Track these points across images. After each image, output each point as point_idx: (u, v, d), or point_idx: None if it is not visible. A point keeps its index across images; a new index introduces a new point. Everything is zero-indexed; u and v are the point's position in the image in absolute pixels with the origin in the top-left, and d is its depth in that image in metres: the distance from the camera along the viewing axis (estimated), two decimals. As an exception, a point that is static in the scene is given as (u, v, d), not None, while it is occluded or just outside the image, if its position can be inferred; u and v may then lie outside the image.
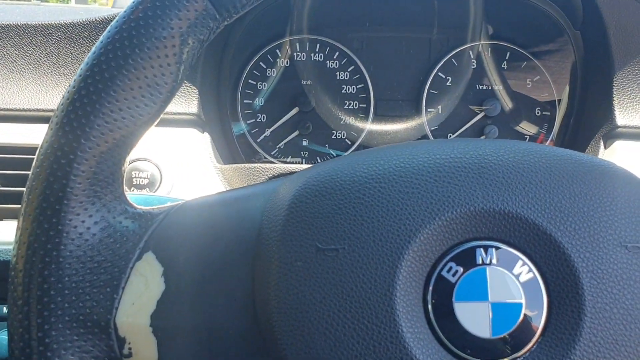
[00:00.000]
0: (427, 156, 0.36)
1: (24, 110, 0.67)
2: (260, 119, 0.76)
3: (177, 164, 0.65)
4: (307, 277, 0.34)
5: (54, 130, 0.36)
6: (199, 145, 0.67)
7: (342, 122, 0.76)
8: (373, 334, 0.33)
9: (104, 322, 0.36)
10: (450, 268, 0.34)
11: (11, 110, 0.67)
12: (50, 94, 0.67)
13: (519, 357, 0.33)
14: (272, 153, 0.76)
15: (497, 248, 0.34)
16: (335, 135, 0.76)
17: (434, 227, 0.34)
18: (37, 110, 0.67)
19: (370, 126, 0.76)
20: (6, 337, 0.62)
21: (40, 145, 0.37)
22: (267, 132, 0.76)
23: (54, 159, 0.36)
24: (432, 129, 0.76)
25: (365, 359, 0.33)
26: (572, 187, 0.35)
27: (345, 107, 0.76)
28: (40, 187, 0.36)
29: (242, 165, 0.67)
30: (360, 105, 0.76)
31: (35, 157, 0.37)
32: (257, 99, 0.76)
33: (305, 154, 0.76)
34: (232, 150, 0.75)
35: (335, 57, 0.76)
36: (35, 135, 0.66)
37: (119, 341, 0.36)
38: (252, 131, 0.76)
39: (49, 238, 0.35)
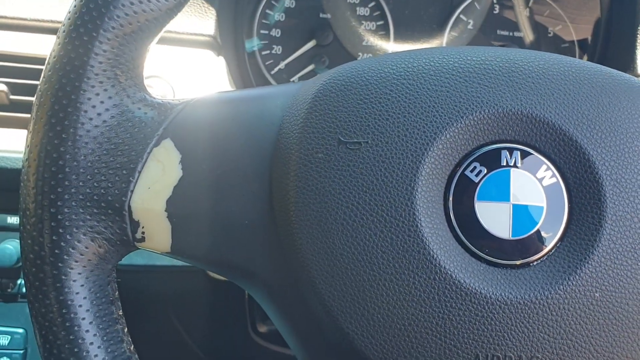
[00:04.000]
0: (458, 57, 0.36)
1: (34, 20, 0.66)
2: (276, 50, 0.75)
3: (191, 84, 0.64)
4: (328, 169, 0.34)
5: (77, 7, 0.35)
6: (213, 68, 0.66)
7: (359, 59, 0.75)
8: (391, 227, 0.32)
9: (119, 203, 0.35)
10: (474, 168, 0.33)
11: (20, 19, 0.65)
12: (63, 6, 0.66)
13: (536, 259, 0.33)
14: (286, 86, 0.75)
15: (522, 151, 0.34)
16: (351, 72, 0.75)
17: (460, 126, 0.33)
18: (48, 21, 0.66)
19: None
20: (10, 247, 0.62)
21: (62, 23, 0.36)
22: (282, 65, 0.75)
23: (76, 36, 0.35)
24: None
25: (382, 251, 0.32)
26: (601, 98, 0.34)
27: (364, 43, 0.75)
28: (60, 64, 0.35)
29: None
30: (379, 43, 0.75)
31: (56, 36, 0.36)
32: (273, 29, 0.74)
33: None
34: (245, 80, 0.74)
35: (356, -10, 0.74)
36: (45, 46, 0.65)
37: (132, 225, 0.36)
38: (266, 63, 0.75)
39: (67, 115, 0.35)
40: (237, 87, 0.69)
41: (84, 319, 0.35)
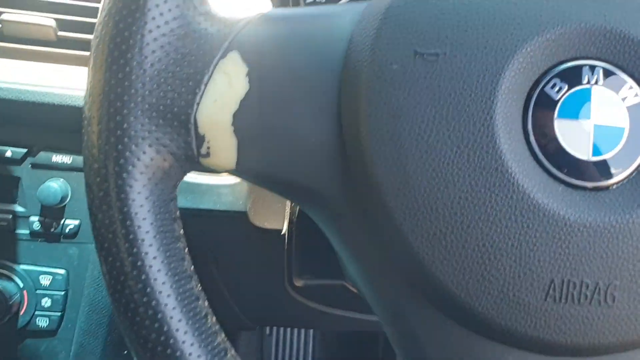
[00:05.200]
0: (538, -28, 0.34)
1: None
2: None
3: (233, 5, 0.62)
4: (403, 81, 0.32)
5: None
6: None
7: None
8: (468, 142, 0.31)
9: (184, 115, 0.35)
10: (555, 85, 0.32)
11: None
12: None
13: (617, 182, 0.32)
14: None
15: (604, 69, 0.32)
16: None
17: (542, 40, 0.32)
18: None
19: None
20: (54, 185, 0.61)
21: None
22: None
23: None
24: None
25: (458, 168, 0.31)
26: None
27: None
28: None
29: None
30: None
31: None
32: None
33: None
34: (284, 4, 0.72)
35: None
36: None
37: (197, 139, 0.35)
38: None
39: (135, 20, 0.34)
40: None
41: (147, 232, 0.34)
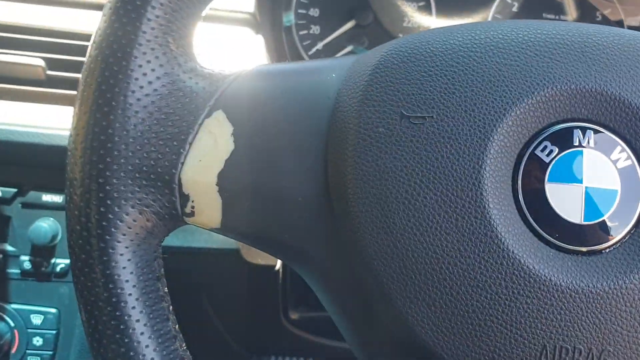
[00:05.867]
0: (527, 30, 0.34)
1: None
2: (314, 30, 0.73)
3: (229, 62, 0.63)
4: (389, 144, 0.32)
5: None
6: (252, 46, 0.65)
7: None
8: (457, 207, 0.31)
9: (168, 176, 0.34)
10: (545, 147, 0.31)
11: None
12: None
13: (609, 246, 0.31)
14: (324, 66, 0.73)
15: (595, 131, 0.32)
16: (391, 54, 0.73)
17: (531, 102, 0.32)
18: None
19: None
20: (44, 225, 0.61)
21: None
22: (320, 45, 0.73)
23: (128, 0, 0.34)
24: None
25: (446, 233, 0.31)
26: (682, 77, 0.32)
27: (405, 24, 0.73)
28: (112, 29, 0.34)
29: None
30: (420, 24, 0.73)
31: (104, 10, 0.35)
32: (312, 9, 0.73)
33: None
34: (281, 59, 0.72)
35: (398, -31, 0.72)
36: (82, 22, 0.64)
37: (182, 198, 0.34)
38: (304, 43, 0.73)
39: (117, 82, 0.33)
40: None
41: (130, 294, 0.34)
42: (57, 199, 0.61)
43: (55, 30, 0.63)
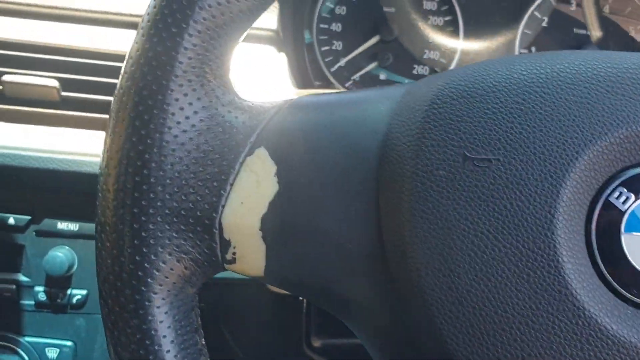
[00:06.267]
0: (596, 63, 0.31)
1: (89, 11, 0.62)
2: (336, 46, 0.70)
3: (252, 82, 0.60)
4: (451, 189, 0.29)
5: (157, 3, 0.31)
6: (274, 64, 0.62)
7: (425, 56, 0.71)
8: (527, 260, 0.28)
9: (208, 220, 0.31)
10: (620, 194, 0.29)
11: (72, 9, 0.61)
12: None
13: (693, 303, 0.28)
14: (346, 85, 0.70)
15: (676, 175, 0.29)
16: (417, 70, 0.71)
17: (605, 144, 0.29)
18: (102, 12, 0.62)
19: (455, 65, 0.71)
20: (60, 254, 0.58)
21: (146, 12, 0.32)
22: (342, 62, 0.70)
23: (163, 27, 0.31)
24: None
25: (516, 287, 0.28)
26: None
27: (430, 40, 0.71)
28: (145, 58, 0.31)
29: (323, 91, 0.62)
30: (447, 40, 0.71)
31: (136, 31, 0.32)
32: (334, 24, 0.70)
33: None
34: (304, 78, 0.70)
35: (423, -16, 0.70)
36: (98, 40, 0.62)
37: (222, 244, 0.32)
38: (326, 60, 0.70)
39: (152, 117, 0.31)
40: (298, 85, 0.65)
41: (168, 351, 0.31)
42: (73, 226, 0.58)
43: (69, 49, 0.60)
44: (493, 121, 0.30)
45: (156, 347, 0.31)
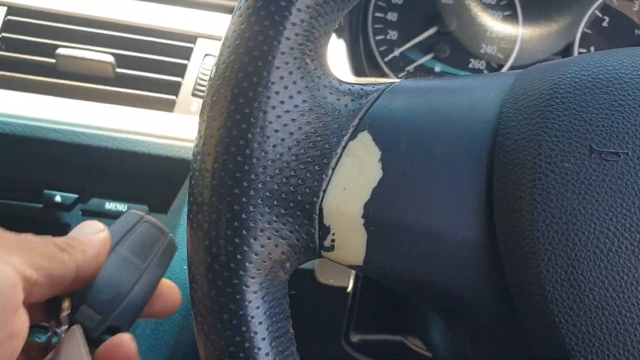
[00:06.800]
0: None
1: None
2: (391, 36, 0.68)
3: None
4: (577, 182, 0.27)
5: None
6: (334, 50, 0.60)
7: (482, 50, 0.69)
8: (657, 261, 0.26)
9: (309, 204, 0.30)
10: None
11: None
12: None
13: None
14: (400, 75, 0.69)
15: None
16: (473, 64, 0.69)
17: None
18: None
19: (513, 61, 0.69)
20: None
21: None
22: (397, 52, 0.69)
23: (271, 0, 0.29)
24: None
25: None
26: None
27: (488, 34, 0.69)
28: (251, 32, 0.29)
29: (383, 80, 0.60)
30: (505, 34, 0.69)
31: (241, 6, 0.31)
32: (390, 13, 0.68)
33: (434, 80, 0.69)
34: (358, 68, 0.68)
35: (483, -24, 0.68)
36: (154, 17, 0.60)
37: (322, 230, 0.30)
38: (380, 49, 0.68)
39: (257, 95, 0.29)
40: (354, 73, 0.63)
41: (264, 339, 0.29)
42: (122, 207, 0.56)
43: (125, 24, 0.58)
44: (620, 114, 0.28)
45: (252, 334, 0.29)
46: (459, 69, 0.69)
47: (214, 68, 0.31)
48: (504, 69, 0.70)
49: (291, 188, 0.30)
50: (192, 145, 0.56)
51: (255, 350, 0.29)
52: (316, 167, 0.30)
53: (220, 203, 0.29)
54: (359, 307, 0.65)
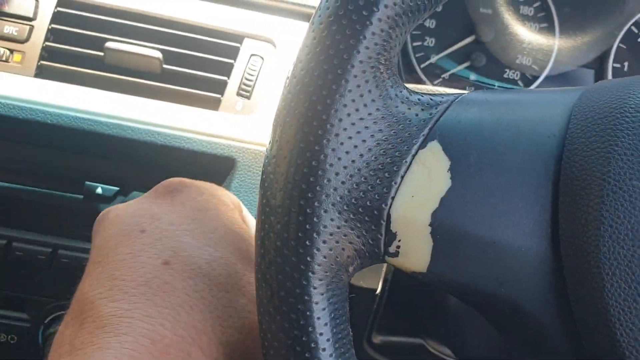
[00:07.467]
0: None
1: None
2: (428, 42, 0.69)
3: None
4: (646, 201, 0.28)
5: None
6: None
7: (517, 61, 0.70)
8: None
9: (377, 210, 0.30)
10: None
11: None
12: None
13: None
14: (435, 82, 0.69)
15: None
16: (508, 75, 0.70)
17: None
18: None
19: (547, 73, 0.70)
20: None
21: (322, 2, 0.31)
22: (434, 59, 0.69)
23: (353, 9, 0.30)
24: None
25: None
26: None
27: (524, 45, 0.70)
28: (332, 39, 0.30)
29: (420, 86, 0.61)
30: (541, 46, 0.70)
31: (317, 7, 0.31)
32: (428, 20, 0.69)
33: (471, 89, 0.70)
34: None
35: (522, -12, 0.69)
36: (202, 14, 0.60)
37: (388, 236, 0.31)
38: (417, 55, 0.69)
39: (334, 102, 0.30)
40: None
41: (328, 340, 0.30)
42: (162, 201, 0.57)
43: (174, 21, 0.59)
44: (691, 133, 0.29)
45: (318, 335, 0.30)
46: (494, 79, 0.70)
47: (291, 73, 0.31)
48: (539, 80, 0.71)
49: (361, 194, 0.30)
50: (235, 143, 0.57)
51: (320, 351, 0.30)
52: (386, 174, 0.31)
53: (293, 206, 0.30)
54: (384, 309, 0.66)
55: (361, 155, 0.31)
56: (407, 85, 0.35)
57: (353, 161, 0.30)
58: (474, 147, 0.31)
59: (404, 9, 0.31)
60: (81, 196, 0.57)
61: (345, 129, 0.30)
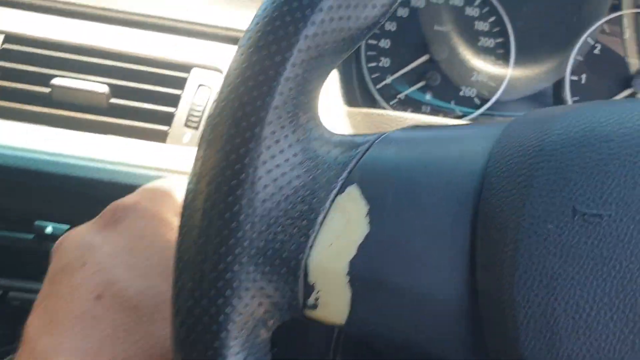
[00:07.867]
0: None
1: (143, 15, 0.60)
2: (383, 63, 0.69)
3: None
4: (559, 244, 0.27)
5: (260, 24, 0.30)
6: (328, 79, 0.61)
7: (473, 78, 0.69)
8: (635, 327, 0.26)
9: (294, 261, 0.30)
10: None
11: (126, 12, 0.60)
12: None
13: None
14: (391, 103, 0.69)
15: None
16: (464, 92, 0.69)
17: None
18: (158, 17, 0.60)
19: (504, 88, 0.69)
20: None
21: (247, 31, 0.30)
22: (389, 79, 0.69)
23: (267, 54, 0.29)
24: (573, 99, 0.69)
25: (621, 356, 0.26)
26: None
27: (480, 62, 0.69)
28: (245, 87, 0.29)
29: (375, 110, 0.60)
30: (497, 62, 0.69)
31: (237, 46, 0.31)
32: (382, 40, 0.69)
33: (427, 108, 0.69)
34: (350, 95, 0.68)
35: (476, 3, 0.68)
36: (149, 46, 0.60)
37: (306, 288, 0.30)
38: (373, 76, 0.69)
39: (249, 151, 0.29)
40: (346, 102, 0.64)
41: (244, 400, 0.30)
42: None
43: (120, 53, 0.58)
44: (605, 173, 0.28)
45: None
46: (449, 97, 0.70)
47: (207, 122, 0.31)
48: (496, 96, 0.70)
49: (277, 245, 0.30)
50: (182, 177, 0.56)
51: None
52: (303, 222, 0.30)
53: (205, 261, 0.29)
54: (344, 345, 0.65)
55: (278, 203, 0.30)
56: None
57: (269, 210, 0.30)
58: (390, 188, 0.31)
59: (319, 52, 0.30)
60: (31, 235, 0.56)
61: (260, 177, 0.29)
